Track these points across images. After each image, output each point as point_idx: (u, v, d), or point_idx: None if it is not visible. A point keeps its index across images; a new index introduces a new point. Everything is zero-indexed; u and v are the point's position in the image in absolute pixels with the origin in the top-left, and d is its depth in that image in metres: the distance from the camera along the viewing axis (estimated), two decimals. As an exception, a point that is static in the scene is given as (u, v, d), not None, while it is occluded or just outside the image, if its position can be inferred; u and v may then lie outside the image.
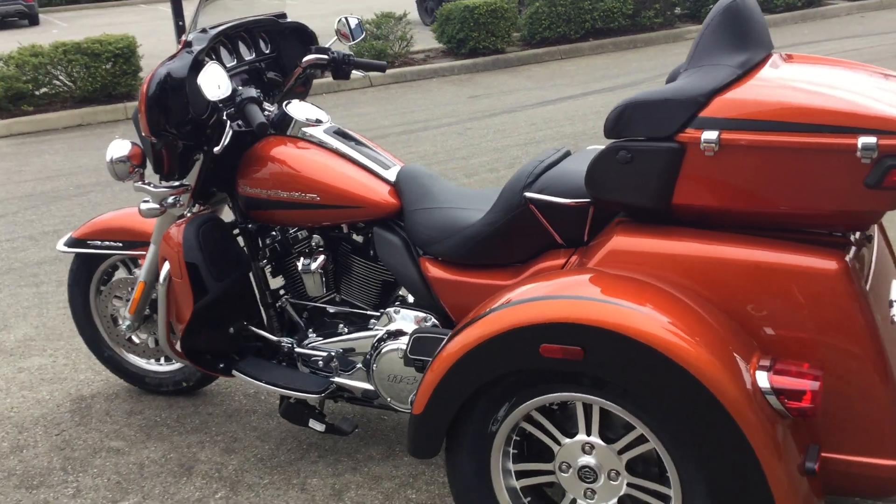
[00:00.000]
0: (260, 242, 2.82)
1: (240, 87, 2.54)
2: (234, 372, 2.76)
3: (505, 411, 2.08)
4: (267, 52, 2.95)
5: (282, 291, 2.85)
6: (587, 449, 2.05)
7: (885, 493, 1.97)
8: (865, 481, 1.96)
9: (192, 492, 2.65)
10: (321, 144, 2.66)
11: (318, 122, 2.72)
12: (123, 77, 8.82)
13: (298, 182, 2.59)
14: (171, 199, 2.73)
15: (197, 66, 2.49)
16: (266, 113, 2.71)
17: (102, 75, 8.68)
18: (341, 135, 2.72)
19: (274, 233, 2.81)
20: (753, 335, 1.97)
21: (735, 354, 1.87)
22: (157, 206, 2.74)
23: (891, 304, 2.15)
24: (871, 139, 1.79)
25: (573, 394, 2.00)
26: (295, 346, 2.76)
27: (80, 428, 3.05)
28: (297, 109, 2.71)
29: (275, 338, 2.79)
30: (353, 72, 3.05)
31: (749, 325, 1.98)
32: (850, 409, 1.93)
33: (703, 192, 1.98)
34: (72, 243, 3.11)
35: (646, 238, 2.07)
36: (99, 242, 3.06)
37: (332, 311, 2.79)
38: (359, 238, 2.73)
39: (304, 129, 2.69)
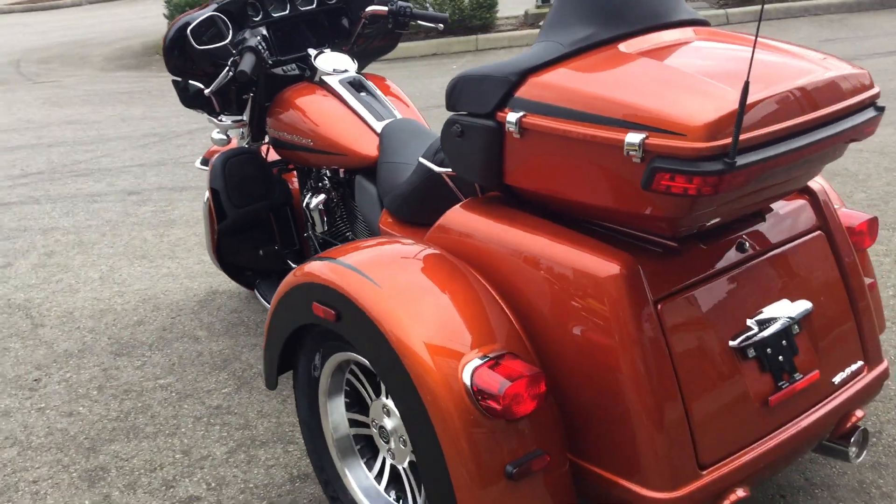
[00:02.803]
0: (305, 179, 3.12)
1: (250, 38, 2.82)
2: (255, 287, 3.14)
3: (319, 360, 2.18)
4: (332, 2, 3.17)
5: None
6: (386, 411, 2.09)
7: None
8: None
9: (211, 384, 3.10)
10: (333, 93, 2.86)
11: (345, 71, 2.92)
12: (479, 10, 9.39)
13: (298, 126, 2.83)
14: (242, 132, 3.16)
15: (211, 18, 2.83)
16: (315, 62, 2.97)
17: (462, 8, 9.33)
18: (355, 85, 2.88)
19: (314, 171, 3.08)
20: (529, 330, 1.85)
21: (464, 348, 1.79)
22: (224, 136, 3.18)
23: (748, 328, 1.85)
24: (637, 136, 1.60)
25: (351, 354, 2.06)
26: (306, 274, 3.04)
27: (191, 316, 3.66)
28: (323, 59, 2.93)
29: (294, 265, 3.11)
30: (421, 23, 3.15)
31: (530, 320, 1.86)
32: (610, 425, 1.76)
33: (523, 175, 1.91)
34: (202, 161, 3.68)
35: (472, 216, 2.02)
36: None
37: (347, 248, 3.02)
38: (359, 183, 2.90)
39: (324, 77, 2.90)
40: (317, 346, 2.16)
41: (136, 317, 3.70)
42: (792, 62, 1.80)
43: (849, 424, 2.03)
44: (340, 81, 2.86)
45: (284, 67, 3.02)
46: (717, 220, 1.82)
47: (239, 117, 3.11)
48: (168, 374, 3.18)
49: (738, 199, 1.74)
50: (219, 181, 2.99)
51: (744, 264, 1.91)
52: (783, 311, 1.90)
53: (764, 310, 1.89)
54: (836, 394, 1.99)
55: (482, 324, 1.84)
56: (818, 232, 2.05)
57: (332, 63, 2.92)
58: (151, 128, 7.24)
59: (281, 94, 2.95)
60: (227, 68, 2.82)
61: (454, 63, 8.63)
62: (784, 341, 1.89)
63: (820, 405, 1.95)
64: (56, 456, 2.72)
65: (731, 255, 1.90)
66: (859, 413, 2.05)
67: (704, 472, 1.75)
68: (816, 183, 2.11)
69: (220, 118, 3.13)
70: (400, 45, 3.42)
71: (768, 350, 1.87)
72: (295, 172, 3.17)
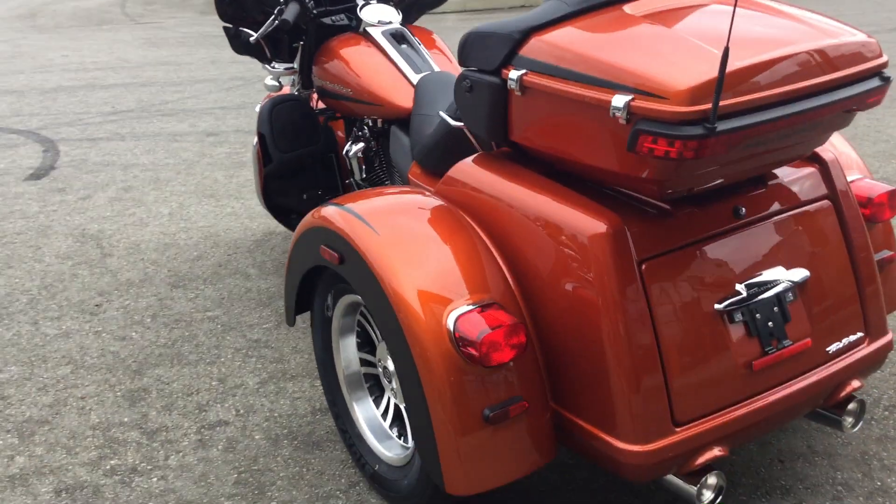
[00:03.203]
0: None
1: None
2: (298, 229, 3.26)
3: (331, 301, 2.30)
4: None
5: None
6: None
7: (620, 473, 1.84)
8: (601, 455, 1.85)
9: (254, 318, 3.26)
10: (375, 44, 2.94)
11: (389, 23, 2.99)
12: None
13: (339, 76, 2.92)
14: (293, 79, 3.28)
15: None
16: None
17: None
18: (396, 37, 2.95)
19: (356, 120, 3.18)
20: (522, 283, 1.92)
21: (452, 296, 1.86)
22: (276, 83, 3.30)
23: (736, 293, 1.87)
24: (623, 98, 1.64)
25: (356, 296, 2.16)
26: (345, 219, 3.16)
27: (246, 254, 3.84)
28: (368, 10, 3.01)
29: (334, 209, 3.22)
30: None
31: (523, 273, 1.92)
32: (590, 378, 1.82)
33: (526, 132, 1.97)
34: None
35: (478, 169, 2.09)
36: None
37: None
38: (396, 133, 2.98)
39: (368, 28, 2.98)
40: (328, 287, 2.27)
41: (196, 252, 3.90)
42: (791, 27, 1.79)
43: (843, 394, 2.04)
44: (383, 33, 2.94)
45: (334, 17, 3.11)
46: (709, 184, 1.84)
47: (290, 65, 3.22)
48: (217, 307, 3.36)
49: (728, 164, 1.76)
50: (265, 126, 3.12)
51: (738, 230, 1.92)
52: (777, 277, 1.92)
53: (756, 276, 1.90)
54: (830, 363, 1.99)
55: (473, 274, 1.91)
56: (825, 201, 2.04)
57: (377, 14, 2.99)
58: (238, 71, 7.47)
59: (327, 43, 3.04)
60: (273, 16, 2.92)
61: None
62: (776, 307, 1.91)
63: (810, 373, 1.96)
64: (105, 376, 2.93)
65: (725, 220, 1.91)
66: (856, 383, 2.05)
67: (679, 429, 1.80)
68: (829, 151, 2.09)
69: (273, 65, 3.24)
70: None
71: (757, 315, 1.89)
72: (343, 121, 3.27)
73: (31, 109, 6.60)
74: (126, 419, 2.69)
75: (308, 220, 2.20)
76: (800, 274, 1.95)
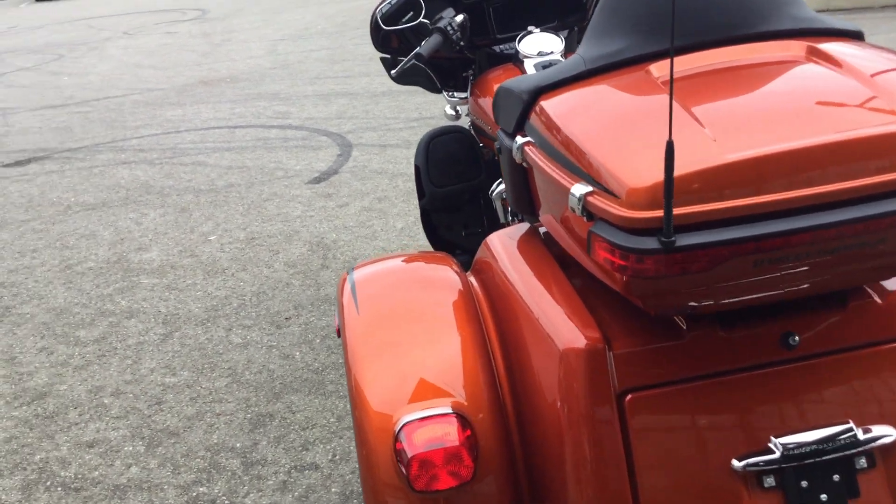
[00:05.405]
0: None
1: (445, 17, 2.71)
2: (455, 266, 3.08)
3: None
4: None
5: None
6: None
7: None
8: None
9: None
10: (525, 77, 2.66)
11: (550, 54, 2.70)
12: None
13: (483, 109, 2.70)
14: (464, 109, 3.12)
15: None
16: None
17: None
18: None
19: None
20: (516, 390, 1.61)
21: (413, 398, 1.60)
22: (454, 112, 3.15)
23: (767, 450, 1.40)
24: (581, 189, 1.32)
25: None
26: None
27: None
28: (529, 41, 2.73)
29: (491, 250, 2.99)
30: None
31: (519, 379, 1.61)
32: None
33: (541, 211, 1.67)
34: None
35: (509, 243, 1.81)
36: None
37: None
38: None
39: (525, 60, 2.71)
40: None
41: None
42: (853, 98, 1.27)
43: None
44: (535, 66, 2.65)
45: (503, 46, 2.87)
46: (724, 301, 1.38)
47: (464, 94, 3.05)
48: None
49: (744, 280, 1.30)
50: (421, 158, 2.98)
51: (786, 363, 1.43)
52: (844, 436, 1.40)
53: (809, 431, 1.40)
54: (923, 561, 1.42)
55: (449, 372, 1.62)
56: (947, 334, 1.44)
57: (539, 45, 2.70)
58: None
59: (484, 75, 2.82)
60: (417, 49, 2.77)
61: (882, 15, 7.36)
62: (836, 476, 1.40)
63: (884, 571, 1.41)
64: (248, 394, 3.01)
65: (767, 350, 1.43)
66: None
67: None
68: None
69: (452, 94, 3.09)
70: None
71: (803, 483, 1.39)
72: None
73: (353, 112, 7.07)
74: (238, 444, 2.73)
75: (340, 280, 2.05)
76: (883, 433, 1.40)
